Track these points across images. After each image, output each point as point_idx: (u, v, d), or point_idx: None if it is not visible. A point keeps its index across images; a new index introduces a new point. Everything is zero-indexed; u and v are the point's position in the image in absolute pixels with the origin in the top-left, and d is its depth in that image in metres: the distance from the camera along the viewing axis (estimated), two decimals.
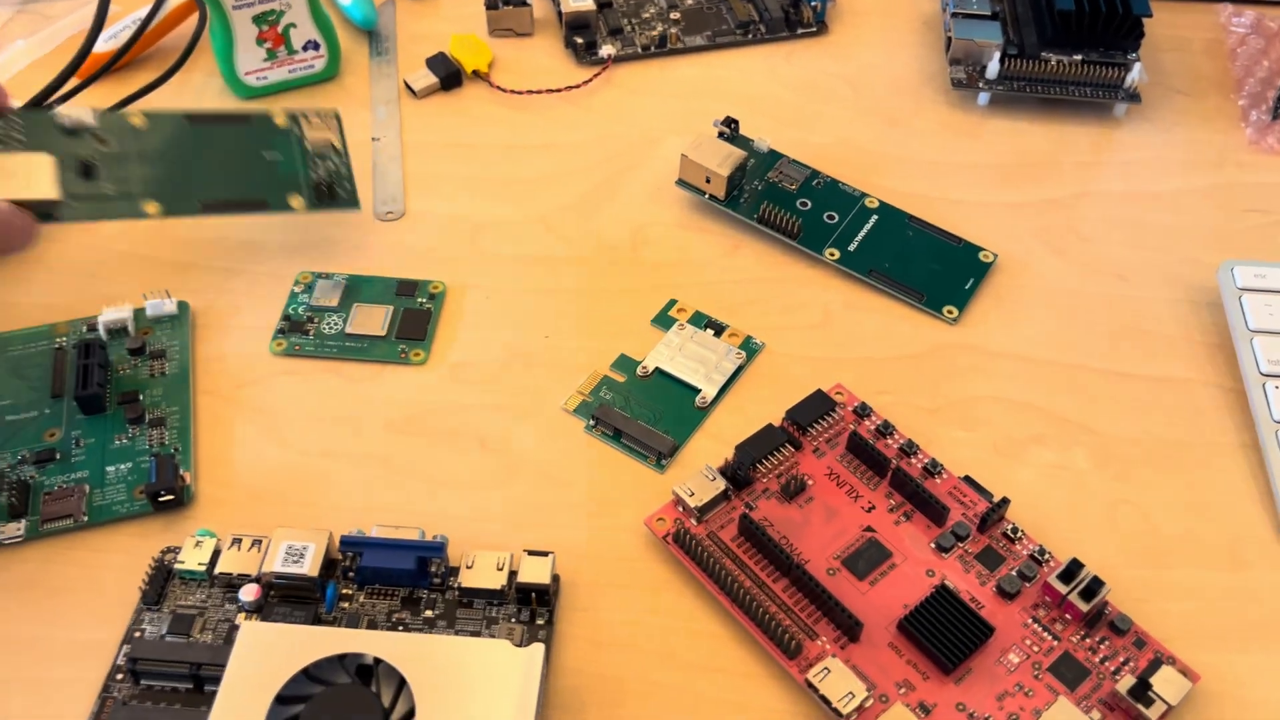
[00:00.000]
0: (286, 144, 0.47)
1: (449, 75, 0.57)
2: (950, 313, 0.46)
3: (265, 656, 0.33)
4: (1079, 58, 0.54)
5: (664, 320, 0.46)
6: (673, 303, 0.47)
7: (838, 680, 0.34)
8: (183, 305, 0.46)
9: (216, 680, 0.34)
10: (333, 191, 0.47)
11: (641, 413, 0.43)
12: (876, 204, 0.50)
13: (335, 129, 0.48)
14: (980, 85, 0.55)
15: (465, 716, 0.32)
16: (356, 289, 0.47)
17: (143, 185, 0.44)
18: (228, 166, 0.45)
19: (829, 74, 0.58)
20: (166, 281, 0.48)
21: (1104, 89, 0.55)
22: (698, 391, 0.43)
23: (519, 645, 0.34)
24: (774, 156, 0.51)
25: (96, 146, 0.42)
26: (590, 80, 0.57)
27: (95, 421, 0.42)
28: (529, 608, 0.37)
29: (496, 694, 0.33)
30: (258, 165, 0.46)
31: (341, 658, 0.34)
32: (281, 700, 0.32)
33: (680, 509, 0.39)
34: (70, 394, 0.43)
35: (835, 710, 0.34)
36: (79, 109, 0.43)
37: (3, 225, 0.40)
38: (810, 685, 0.34)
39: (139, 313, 0.46)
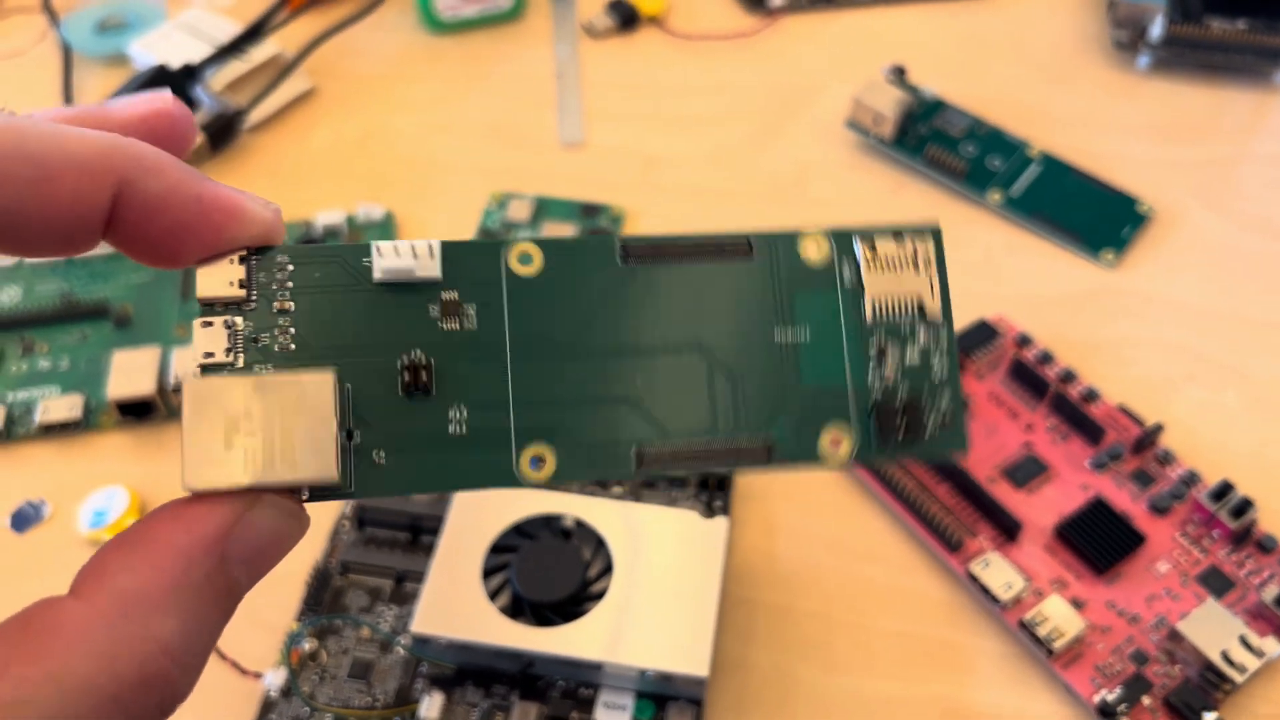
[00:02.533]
0: (823, 304, 0.22)
1: (626, 19, 0.61)
2: (1108, 257, 0.48)
3: (480, 512, 0.37)
4: (1242, 25, 0.56)
5: None
6: None
7: (997, 572, 0.37)
8: (389, 213, 0.51)
9: (431, 532, 0.39)
10: (916, 425, 0.22)
11: None
12: (1038, 153, 0.52)
13: (932, 273, 0.23)
14: (1141, 48, 0.57)
15: (656, 576, 0.36)
16: (545, 208, 0.51)
17: (519, 412, 0.21)
18: (687, 357, 0.22)
19: (991, 31, 0.60)
20: (369, 193, 0.52)
21: (1265, 56, 0.56)
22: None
23: (704, 518, 0.38)
24: (939, 104, 0.54)
25: (442, 325, 0.21)
26: (760, 29, 0.60)
27: None
28: (708, 492, 0.40)
29: (685, 559, 0.36)
30: (754, 357, 0.22)
31: (546, 519, 0.38)
32: (495, 549, 0.37)
33: None
34: None
35: (994, 598, 0.37)
36: (405, 245, 0.21)
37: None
38: (971, 575, 0.37)
39: (350, 218, 0.51)
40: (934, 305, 0.22)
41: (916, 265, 0.22)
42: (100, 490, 0.41)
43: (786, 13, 0.61)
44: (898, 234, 0.22)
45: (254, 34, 0.56)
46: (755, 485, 0.41)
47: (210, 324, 0.20)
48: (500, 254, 0.21)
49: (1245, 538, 0.38)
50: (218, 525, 0.19)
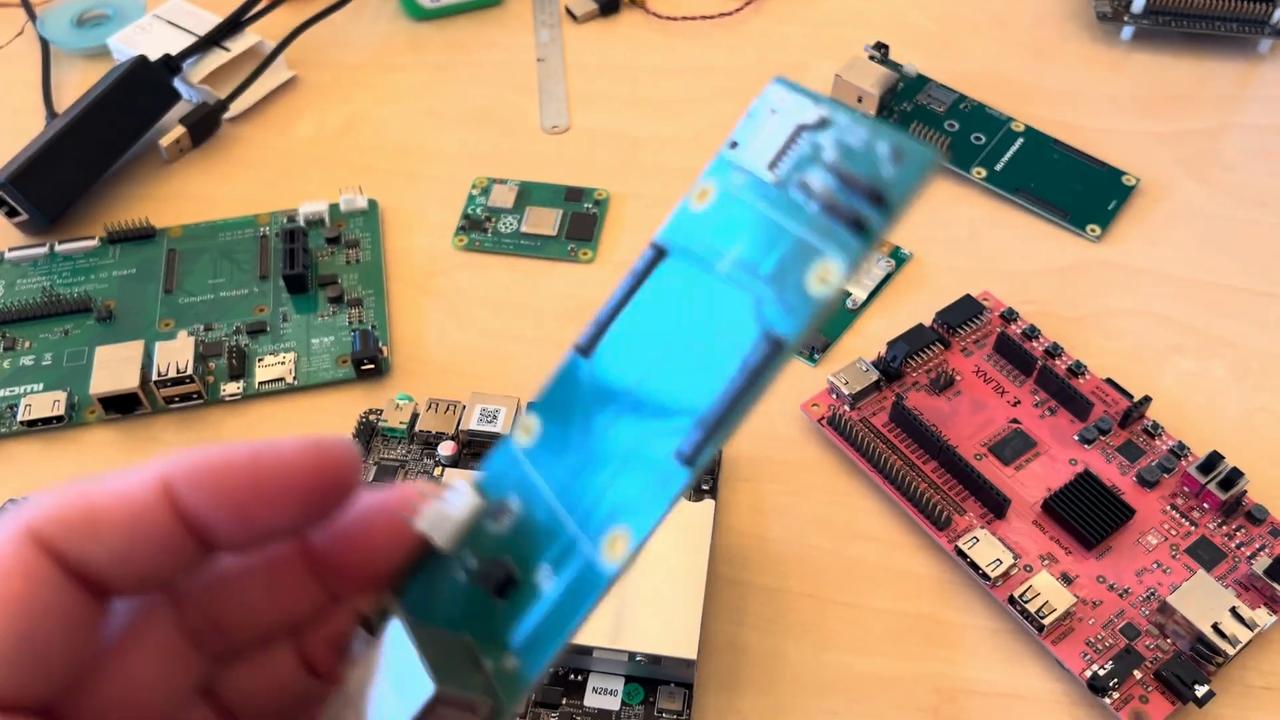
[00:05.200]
0: (730, 217, 0.21)
1: (608, 2, 0.60)
2: (1093, 231, 0.48)
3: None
4: None
5: None
6: None
7: (986, 548, 0.37)
8: (372, 202, 0.51)
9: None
10: (874, 188, 0.19)
11: None
12: (1022, 128, 0.52)
13: (795, 100, 0.21)
14: (1125, 19, 0.56)
15: (644, 559, 0.36)
16: (528, 193, 0.51)
17: (579, 519, 0.21)
18: (670, 360, 0.21)
19: (973, 6, 0.59)
20: (354, 182, 0.52)
21: (1249, 24, 0.55)
22: (848, 295, 0.46)
23: (691, 502, 0.37)
24: (922, 80, 0.54)
25: (492, 530, 0.22)
26: (741, 9, 0.60)
27: (299, 300, 0.47)
28: None
29: (672, 542, 0.36)
30: (715, 302, 0.21)
31: None
32: None
33: (834, 396, 0.42)
34: (275, 275, 0.47)
35: (983, 575, 0.37)
36: (452, 500, 0.22)
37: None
38: (960, 552, 0.37)
39: (333, 207, 0.50)
40: (810, 112, 0.20)
41: (775, 110, 0.21)
42: None
43: None
44: (752, 115, 0.21)
45: (234, 25, 0.56)
46: (743, 467, 0.41)
47: None
48: (511, 449, 0.22)
49: (1235, 509, 0.38)
50: None
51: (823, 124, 0.20)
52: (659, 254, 0.22)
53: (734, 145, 0.22)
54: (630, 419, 0.21)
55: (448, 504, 0.22)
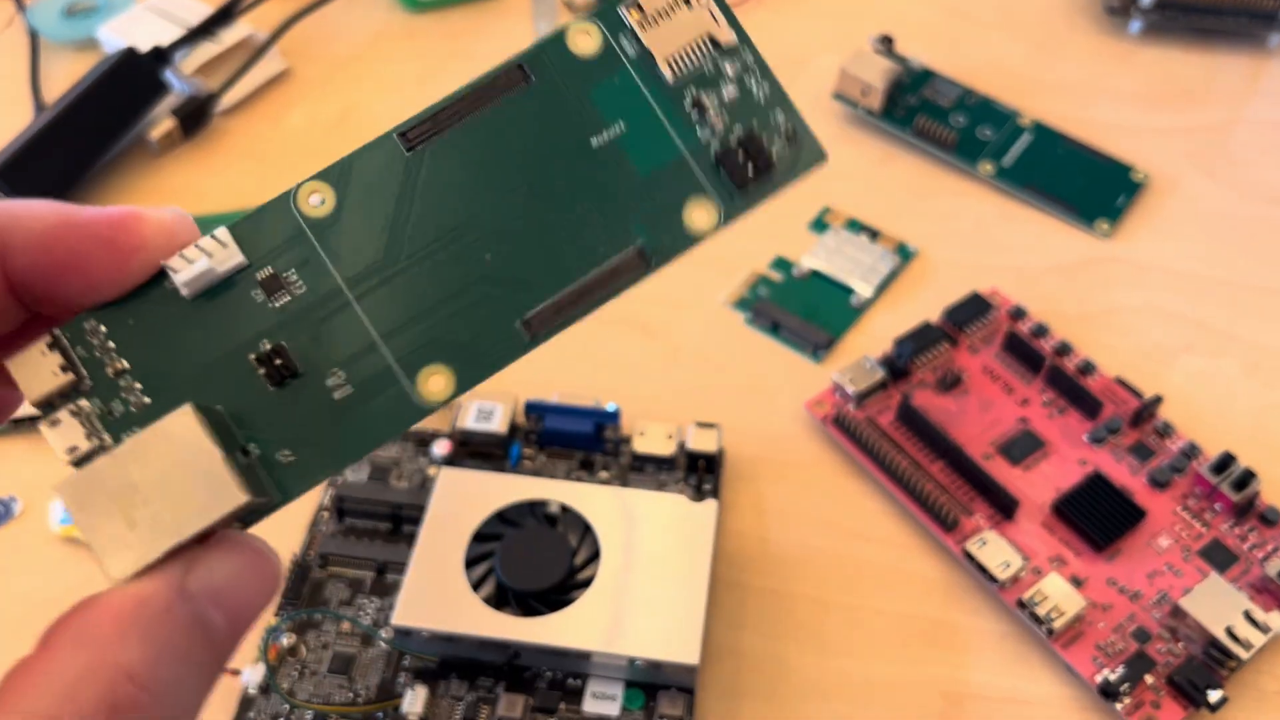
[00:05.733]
0: (620, 88, 0.21)
1: None
2: (1103, 227, 0.47)
3: (463, 499, 0.36)
4: None
5: (819, 225, 0.48)
6: (827, 209, 0.49)
7: (994, 550, 0.36)
8: None
9: (412, 521, 0.38)
10: (762, 156, 0.21)
11: (798, 309, 0.45)
12: (1030, 122, 0.51)
13: (708, 2, 0.21)
14: (1133, 13, 0.55)
15: (645, 562, 0.35)
16: None
17: (394, 346, 0.20)
18: (519, 208, 0.20)
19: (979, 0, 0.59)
20: None
21: (1258, 18, 0.55)
22: (852, 292, 0.45)
23: (692, 502, 0.37)
24: (928, 74, 0.53)
25: (273, 304, 0.20)
26: (744, 1, 0.59)
27: None
28: (697, 474, 0.39)
29: (674, 544, 0.35)
30: (584, 175, 0.21)
31: (531, 505, 0.37)
32: (479, 538, 0.36)
33: (839, 395, 0.41)
34: None
35: (992, 577, 0.36)
36: (193, 249, 0.20)
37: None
38: (968, 555, 0.36)
39: None
40: (724, 31, 0.21)
41: (689, 2, 0.21)
42: None
43: None
44: None
45: (225, 15, 0.55)
46: (745, 467, 0.40)
47: (58, 421, 0.19)
48: (291, 206, 0.20)
49: (1248, 510, 0.37)
50: (165, 575, 0.18)
51: (731, 51, 0.21)
52: (523, 75, 0.21)
53: (638, 8, 0.21)
54: (466, 250, 0.20)
55: (199, 252, 0.20)
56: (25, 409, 0.41)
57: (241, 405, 0.20)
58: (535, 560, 0.35)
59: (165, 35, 0.54)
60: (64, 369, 0.19)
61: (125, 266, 0.19)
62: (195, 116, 0.53)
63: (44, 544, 0.39)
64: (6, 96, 0.55)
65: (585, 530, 0.36)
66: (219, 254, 0.20)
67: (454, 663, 0.35)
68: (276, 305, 0.20)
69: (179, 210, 0.20)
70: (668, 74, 0.21)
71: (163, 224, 0.20)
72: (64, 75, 0.57)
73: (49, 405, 0.19)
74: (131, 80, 0.52)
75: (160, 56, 0.52)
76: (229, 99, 0.54)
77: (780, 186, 0.21)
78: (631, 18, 0.20)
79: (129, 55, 0.52)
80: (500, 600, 0.34)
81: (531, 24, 0.59)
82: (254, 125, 0.54)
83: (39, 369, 0.19)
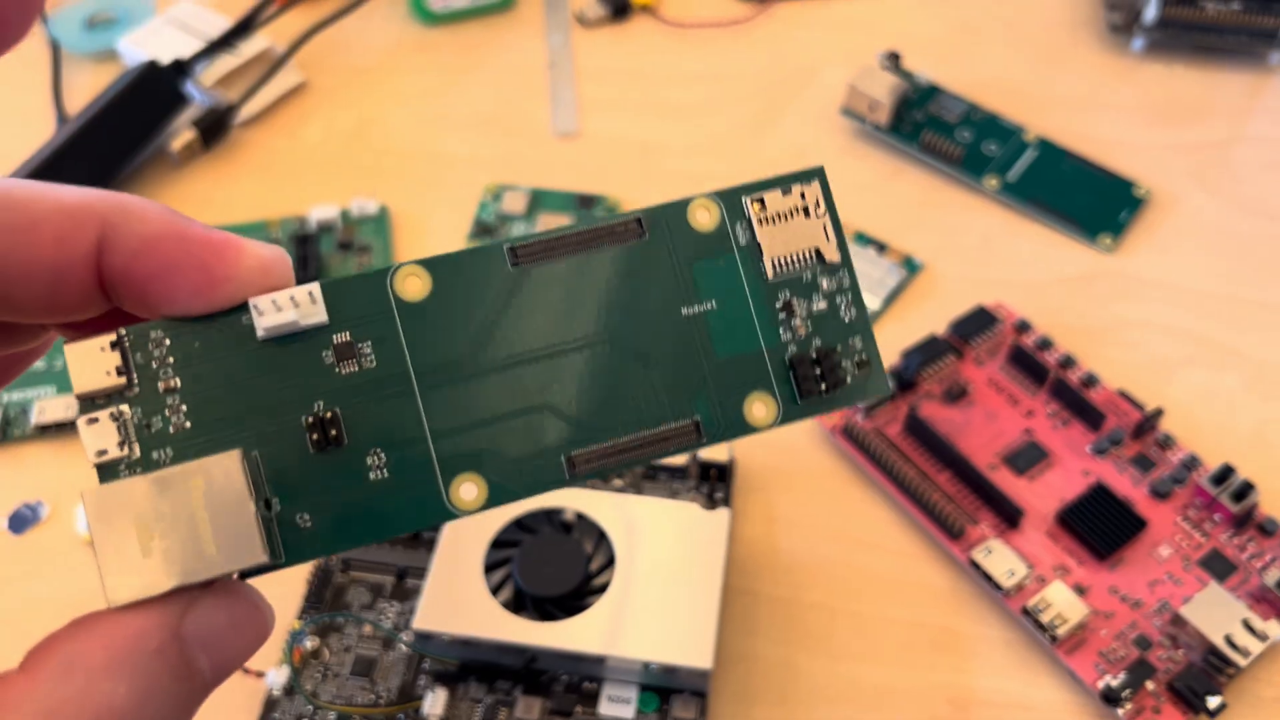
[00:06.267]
0: (723, 270, 0.22)
1: (618, 8, 0.60)
2: (1106, 241, 0.48)
3: None
4: (1236, 6, 0.55)
5: None
6: None
7: (1000, 559, 0.37)
8: (383, 207, 0.51)
9: (432, 528, 0.38)
10: (833, 373, 0.21)
11: None
12: (1034, 138, 0.52)
13: (824, 217, 0.22)
14: (1136, 31, 0.56)
15: (658, 569, 0.36)
16: (540, 200, 0.51)
17: (441, 446, 0.20)
18: (597, 350, 0.21)
19: (985, 15, 0.59)
20: (363, 187, 0.52)
21: (1260, 37, 0.55)
22: None
23: (705, 510, 0.38)
24: (934, 90, 0.54)
25: (340, 371, 0.20)
26: (753, 16, 0.60)
27: None
28: (709, 484, 0.40)
29: (687, 551, 0.36)
30: (666, 338, 0.21)
31: (548, 513, 0.37)
32: (497, 544, 0.37)
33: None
34: None
35: (997, 585, 0.37)
36: (284, 295, 0.20)
37: None
38: (973, 563, 0.37)
39: (344, 212, 0.50)
40: (831, 249, 0.22)
41: (807, 212, 0.22)
42: None
43: (779, 0, 0.61)
44: (784, 185, 0.22)
45: (244, 28, 0.56)
46: (756, 477, 0.41)
47: (96, 419, 0.19)
48: (386, 283, 0.20)
49: (1247, 521, 0.38)
50: (163, 612, 0.18)
51: (832, 269, 0.22)
52: (639, 229, 0.21)
53: (760, 202, 0.22)
54: (538, 376, 0.20)
55: (288, 301, 0.19)
56: (51, 416, 0.42)
57: (279, 458, 0.19)
58: (552, 566, 0.36)
59: (186, 48, 0.55)
60: (119, 371, 0.19)
61: (212, 292, 0.19)
62: (215, 128, 0.54)
63: (70, 548, 0.40)
64: (29, 108, 0.56)
65: (600, 537, 0.37)
66: (306, 308, 0.19)
67: (473, 666, 0.36)
68: (342, 372, 0.20)
69: (280, 250, 0.20)
70: (769, 271, 0.21)
71: (260, 261, 0.19)
72: (85, 86, 0.58)
73: (91, 402, 0.19)
74: (153, 92, 0.53)
75: (181, 69, 0.53)
76: (248, 111, 0.55)
77: (841, 406, 0.22)
78: (752, 209, 0.21)
79: (150, 68, 0.53)
80: (518, 605, 0.35)
81: (545, 37, 0.60)
82: (272, 137, 0.55)
83: (95, 364, 0.19)
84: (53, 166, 0.49)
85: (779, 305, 0.21)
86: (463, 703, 0.35)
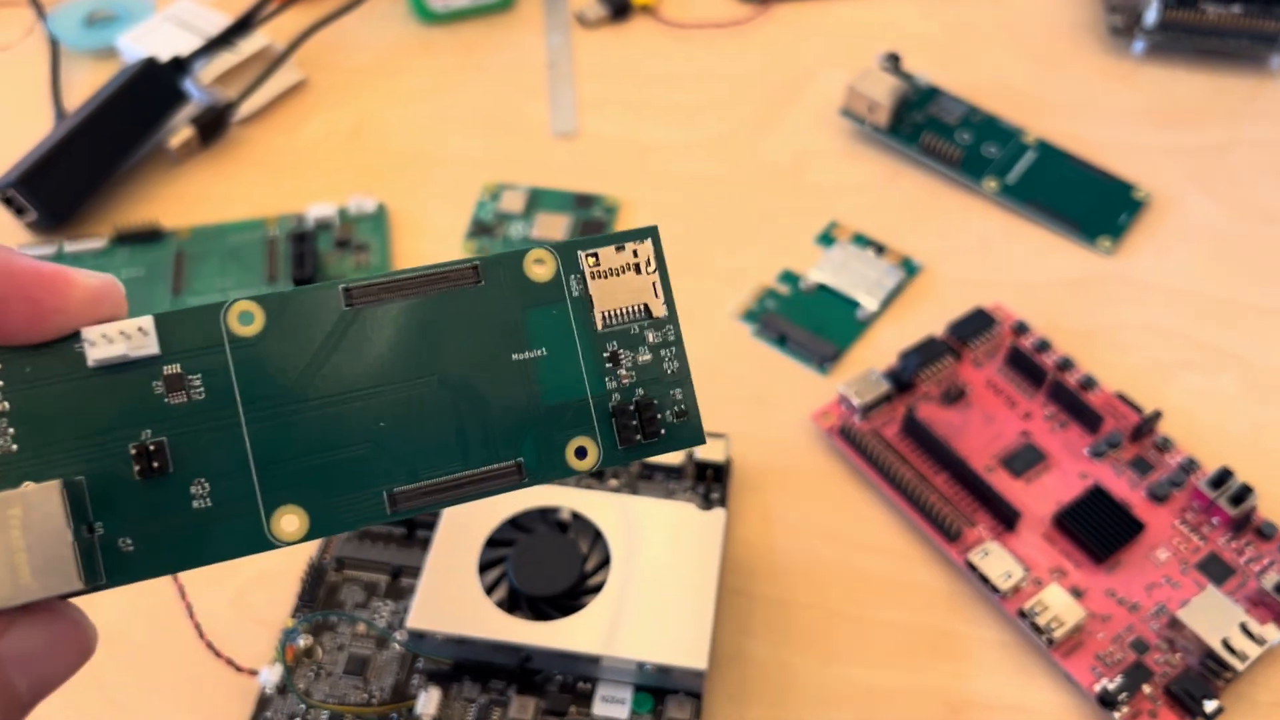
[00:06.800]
0: (555, 319, 0.23)
1: (618, 8, 0.60)
2: (1105, 244, 0.48)
3: (476, 506, 0.37)
4: (1237, 9, 0.55)
5: (825, 240, 0.49)
6: (834, 224, 0.50)
7: (996, 561, 0.37)
8: (381, 205, 0.50)
9: (427, 527, 0.38)
10: (652, 424, 0.23)
11: (805, 322, 0.46)
12: (1034, 140, 0.52)
13: (654, 274, 0.23)
14: (1136, 33, 0.56)
15: (654, 569, 0.35)
16: (538, 199, 0.51)
17: (264, 477, 0.21)
18: (426, 391, 0.22)
19: (985, 17, 0.59)
20: (362, 186, 0.52)
21: (1260, 41, 0.55)
22: (858, 305, 0.46)
23: (701, 510, 0.37)
24: (934, 91, 0.54)
25: (168, 401, 0.20)
26: (753, 17, 0.60)
27: None
28: (705, 483, 0.40)
29: (683, 551, 0.36)
30: (495, 382, 0.22)
31: (543, 512, 0.37)
32: (491, 543, 0.36)
33: (844, 407, 0.42)
34: (283, 278, 0.47)
35: (993, 588, 0.36)
36: (115, 328, 0.20)
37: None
38: (970, 565, 0.37)
39: (342, 211, 0.50)
40: (658, 305, 0.23)
41: (638, 269, 0.23)
42: None
43: (780, 0, 0.61)
44: (618, 242, 0.23)
45: (244, 26, 0.56)
46: (752, 477, 0.41)
47: None
48: (220, 318, 0.21)
49: (1244, 524, 0.38)
50: None
51: (659, 324, 0.23)
52: (475, 275, 0.22)
53: (594, 257, 0.23)
54: (366, 413, 0.21)
55: (119, 334, 0.20)
56: None
57: (103, 483, 0.20)
58: (547, 566, 0.36)
59: (184, 45, 0.55)
60: None
61: (42, 324, 0.19)
62: (213, 125, 0.54)
63: None
64: (28, 104, 0.56)
65: (596, 537, 0.37)
66: (137, 341, 0.20)
67: (467, 665, 0.36)
68: (171, 403, 0.20)
69: (110, 279, 0.20)
70: (599, 322, 0.23)
71: (89, 292, 0.20)
72: (84, 83, 0.57)
73: None
74: (151, 89, 0.53)
75: (180, 66, 0.53)
76: (246, 108, 0.55)
77: (659, 453, 0.23)
78: (587, 263, 0.22)
79: (149, 65, 0.53)
80: (512, 605, 0.35)
81: (544, 37, 0.60)
82: (271, 135, 0.55)
83: None
84: (51, 163, 0.49)
85: (606, 355, 0.23)
86: (456, 702, 0.35)
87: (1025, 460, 0.40)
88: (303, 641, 0.36)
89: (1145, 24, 0.56)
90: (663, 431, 0.23)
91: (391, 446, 0.21)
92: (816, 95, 0.56)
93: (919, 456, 0.40)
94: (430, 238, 0.50)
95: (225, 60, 0.55)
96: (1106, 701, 0.34)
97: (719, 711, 0.36)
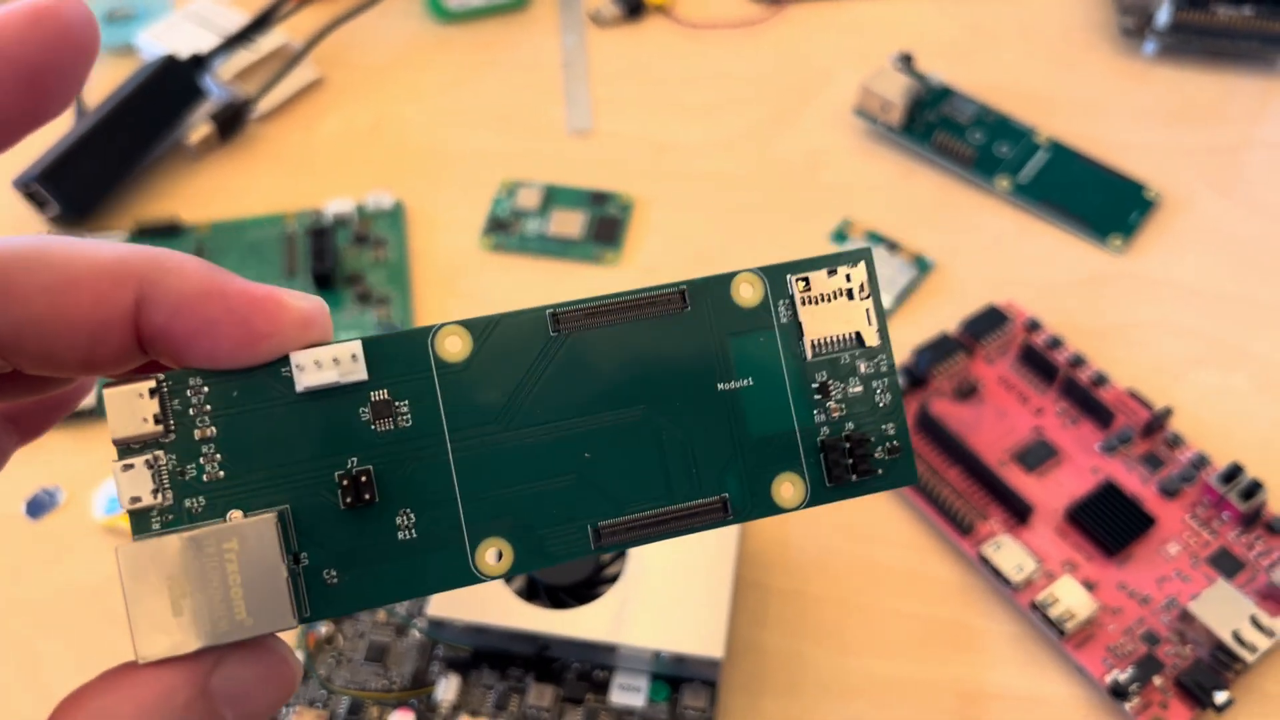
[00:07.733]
0: (762, 347, 0.22)
1: (632, 7, 0.61)
2: (1116, 242, 0.48)
3: None
4: (1249, 11, 0.56)
5: (839, 237, 0.49)
6: (847, 221, 0.50)
7: (1009, 554, 0.37)
8: (398, 202, 0.51)
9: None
10: (862, 460, 0.21)
11: None
12: (1046, 139, 0.52)
13: (867, 300, 0.22)
14: (1148, 34, 0.57)
15: (670, 558, 0.36)
16: (554, 196, 0.51)
17: (470, 508, 0.20)
18: (632, 421, 0.21)
19: (998, 18, 0.60)
20: (379, 182, 0.52)
21: (1272, 42, 0.56)
22: None
23: None
24: (947, 91, 0.54)
25: (375, 429, 0.20)
26: (768, 18, 0.60)
27: (326, 297, 0.47)
28: None
29: (698, 542, 0.36)
30: (700, 413, 0.21)
31: None
32: None
33: None
34: (302, 273, 0.48)
35: (1006, 580, 0.37)
36: (326, 352, 0.20)
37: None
38: (983, 558, 0.37)
39: (359, 206, 0.51)
40: (872, 334, 0.21)
41: (851, 294, 0.21)
42: None
43: (793, 0, 0.61)
44: (830, 265, 0.21)
45: (262, 23, 0.56)
46: None
47: (131, 466, 0.19)
48: (427, 343, 0.20)
49: (1255, 519, 0.39)
50: (191, 669, 0.18)
51: (871, 354, 0.22)
52: (681, 301, 0.21)
53: (804, 281, 0.21)
54: (572, 444, 0.20)
55: (330, 359, 0.19)
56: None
57: (308, 513, 0.19)
58: None
59: (203, 42, 0.55)
60: (156, 419, 0.19)
61: (254, 349, 0.19)
62: (232, 122, 0.54)
63: (86, 533, 0.41)
64: None
65: None
66: (346, 366, 0.19)
67: (485, 653, 0.36)
68: (378, 430, 0.20)
69: (320, 301, 0.20)
70: (808, 351, 0.21)
71: (301, 315, 0.19)
72: (103, 80, 0.58)
73: (127, 448, 0.19)
74: (171, 86, 0.53)
75: (199, 63, 0.54)
76: (264, 105, 0.55)
77: (868, 493, 0.21)
78: (796, 288, 0.21)
79: (169, 62, 0.53)
80: (531, 593, 0.36)
81: (559, 36, 0.60)
82: (288, 131, 0.55)
83: (133, 410, 0.19)
84: (72, 157, 0.50)
85: (815, 386, 0.21)
86: (475, 689, 0.36)
87: (1037, 455, 0.41)
88: (323, 628, 0.37)
89: (1157, 25, 0.56)
90: (879, 470, 0.21)
91: (596, 478, 0.20)
92: (830, 95, 0.56)
93: (932, 451, 0.41)
94: (447, 233, 0.50)
95: (243, 57, 0.56)
96: (1118, 692, 0.35)
97: (734, 701, 0.36)
